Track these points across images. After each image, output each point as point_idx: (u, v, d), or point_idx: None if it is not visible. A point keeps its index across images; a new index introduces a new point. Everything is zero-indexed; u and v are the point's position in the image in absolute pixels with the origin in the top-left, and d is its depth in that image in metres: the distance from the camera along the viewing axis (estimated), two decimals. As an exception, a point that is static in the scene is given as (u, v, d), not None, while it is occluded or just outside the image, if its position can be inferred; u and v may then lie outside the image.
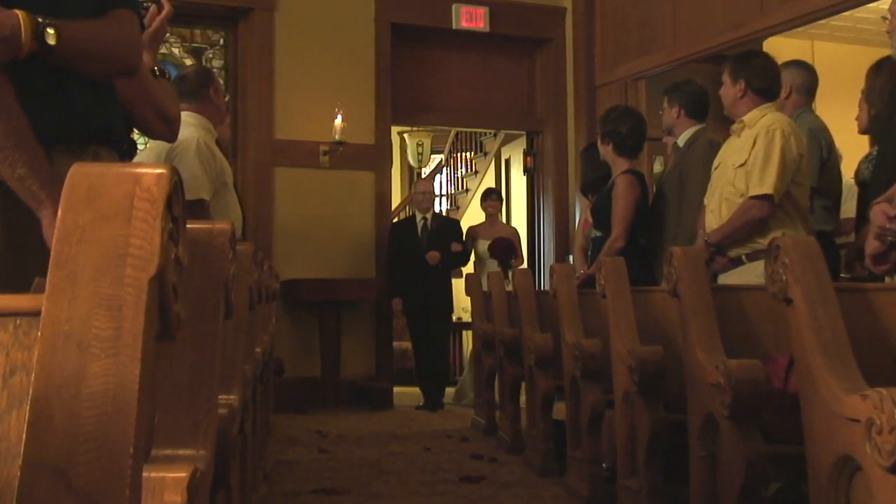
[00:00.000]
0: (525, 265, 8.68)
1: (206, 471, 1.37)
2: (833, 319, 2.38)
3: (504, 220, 10.24)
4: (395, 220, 9.45)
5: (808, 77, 5.27)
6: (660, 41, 7.74)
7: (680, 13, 7.50)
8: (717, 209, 4.56)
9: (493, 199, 9.13)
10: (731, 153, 4.57)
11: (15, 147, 1.80)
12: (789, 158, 4.36)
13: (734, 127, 4.65)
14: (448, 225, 8.86)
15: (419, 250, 8.25)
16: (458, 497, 4.39)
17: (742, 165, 4.43)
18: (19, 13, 1.81)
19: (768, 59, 4.71)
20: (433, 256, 8.21)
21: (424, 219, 8.51)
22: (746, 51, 5.14)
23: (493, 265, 8.47)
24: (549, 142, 9.03)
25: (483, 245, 8.71)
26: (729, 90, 4.63)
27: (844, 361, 2.29)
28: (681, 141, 5.46)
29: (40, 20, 1.84)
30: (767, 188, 4.34)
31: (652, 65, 7.87)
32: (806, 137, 4.64)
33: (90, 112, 2.07)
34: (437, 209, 9.44)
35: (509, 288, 6.12)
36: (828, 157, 5.01)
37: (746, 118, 4.54)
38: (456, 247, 8.47)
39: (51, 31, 1.85)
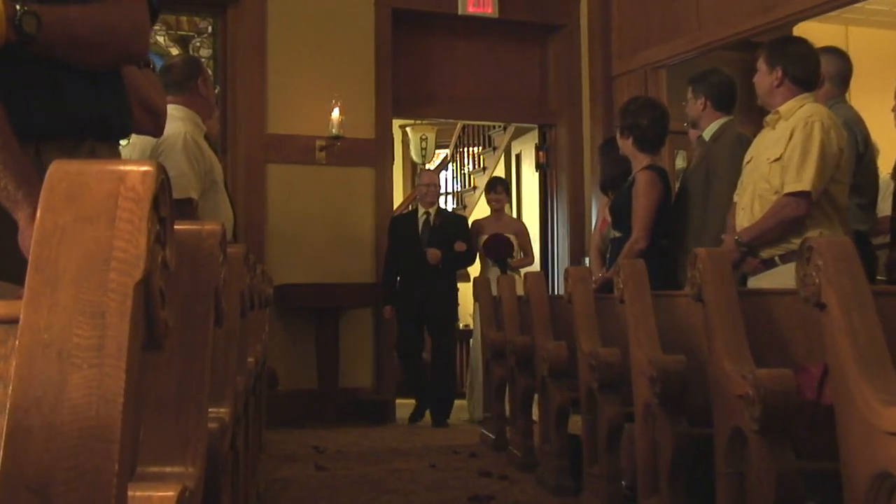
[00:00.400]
0: (537, 266, 8.66)
1: (195, 490, 1.37)
2: (870, 325, 2.38)
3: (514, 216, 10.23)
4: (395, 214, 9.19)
5: (841, 65, 5.27)
6: (683, 26, 7.73)
7: (704, -4, 7.50)
8: (750, 206, 4.56)
9: (499, 191, 8.76)
10: (766, 146, 4.56)
11: None
12: (829, 153, 4.35)
13: (768, 118, 4.64)
14: (454, 221, 8.61)
15: (419, 248, 8.02)
16: (466, 518, 4.40)
17: (777, 160, 4.42)
18: None
19: (808, 46, 4.68)
20: (433, 254, 7.95)
21: (427, 214, 8.24)
22: (784, 36, 5.12)
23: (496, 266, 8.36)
24: (563, 135, 9.03)
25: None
26: (764, 78, 4.61)
27: (882, 370, 2.29)
28: (706, 134, 5.46)
29: (18, 7, 1.82)
30: (805, 185, 4.32)
31: (674, 52, 7.86)
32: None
33: (83, 103, 2.05)
34: (441, 207, 9.05)
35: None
36: (864, 152, 5.01)
37: (782, 109, 4.52)
38: (460, 245, 8.15)
39: (30, 18, 1.83)
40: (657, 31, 8.06)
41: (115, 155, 2.18)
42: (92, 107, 2.07)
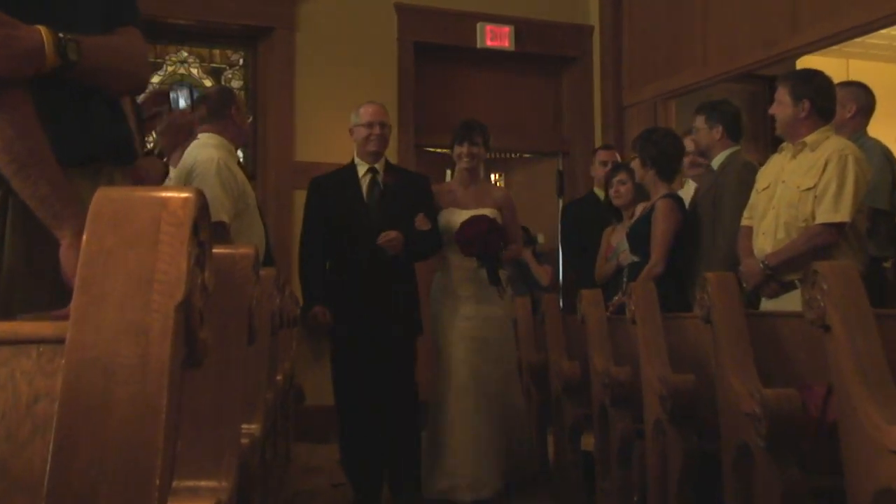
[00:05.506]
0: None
1: (228, 503, 1.37)
2: (873, 347, 2.37)
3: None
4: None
5: (870, 98, 5.38)
6: (689, 60, 7.73)
7: (710, 31, 7.50)
8: (772, 232, 4.53)
9: (478, 142, 5.73)
10: (792, 175, 4.52)
11: (38, 165, 1.82)
12: (861, 185, 4.38)
13: (787, 146, 4.61)
14: (411, 183, 5.40)
15: (364, 223, 5.09)
16: (483, 529, 4.38)
17: (810, 189, 4.41)
18: (41, 28, 1.84)
19: (828, 78, 4.68)
20: (391, 241, 4.97)
21: (373, 171, 5.21)
22: (805, 70, 5.05)
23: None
24: (577, 163, 9.01)
25: (458, 219, 5.27)
26: (788, 110, 4.57)
27: (885, 390, 2.28)
28: (715, 164, 5.42)
29: (61, 35, 1.87)
30: (842, 216, 4.32)
31: (682, 84, 7.86)
32: (878, 159, 4.69)
33: (108, 130, 2.10)
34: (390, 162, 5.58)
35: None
36: None
37: (809, 140, 4.49)
38: (422, 223, 5.14)
39: (73, 45, 1.88)
40: (665, 65, 8.06)
41: (128, 178, 2.20)
42: (115, 133, 2.12)
